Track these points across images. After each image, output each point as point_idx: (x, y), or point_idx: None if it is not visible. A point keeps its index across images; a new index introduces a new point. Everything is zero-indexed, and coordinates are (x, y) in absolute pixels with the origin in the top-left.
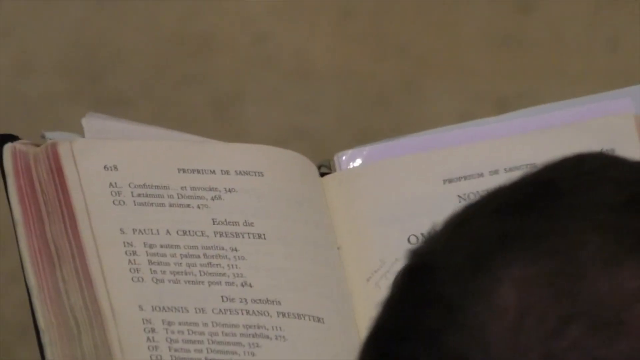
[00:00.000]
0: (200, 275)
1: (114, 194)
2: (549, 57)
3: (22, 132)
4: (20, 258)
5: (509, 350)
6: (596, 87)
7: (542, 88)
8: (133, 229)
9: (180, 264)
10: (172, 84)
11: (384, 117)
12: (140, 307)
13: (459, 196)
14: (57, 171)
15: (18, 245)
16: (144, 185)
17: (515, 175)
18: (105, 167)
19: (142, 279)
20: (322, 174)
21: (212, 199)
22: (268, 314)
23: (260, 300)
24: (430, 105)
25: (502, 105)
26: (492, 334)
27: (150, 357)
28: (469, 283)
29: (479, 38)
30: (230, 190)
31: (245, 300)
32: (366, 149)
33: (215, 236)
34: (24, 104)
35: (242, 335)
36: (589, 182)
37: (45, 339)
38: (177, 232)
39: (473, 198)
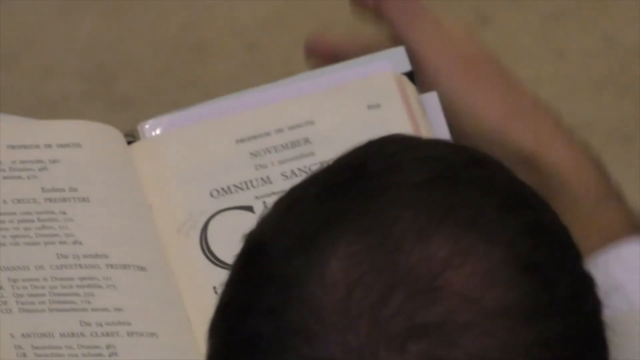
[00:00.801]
0: (36, 237)
1: None
2: (503, 63)
3: None
4: None
5: (343, 320)
6: (545, 90)
7: None
8: None
9: (18, 228)
10: (174, 86)
11: None
12: None
13: (250, 153)
14: None
15: None
16: None
17: (294, 135)
18: None
19: None
20: (129, 142)
21: (39, 170)
22: (98, 266)
23: (90, 255)
24: None
25: None
26: (326, 306)
27: (1, 311)
28: (301, 262)
29: None
30: (54, 162)
31: (78, 256)
32: (166, 118)
33: (46, 202)
34: (46, 104)
35: (78, 286)
36: (393, 164)
37: None
38: (12, 201)
39: (304, 174)
